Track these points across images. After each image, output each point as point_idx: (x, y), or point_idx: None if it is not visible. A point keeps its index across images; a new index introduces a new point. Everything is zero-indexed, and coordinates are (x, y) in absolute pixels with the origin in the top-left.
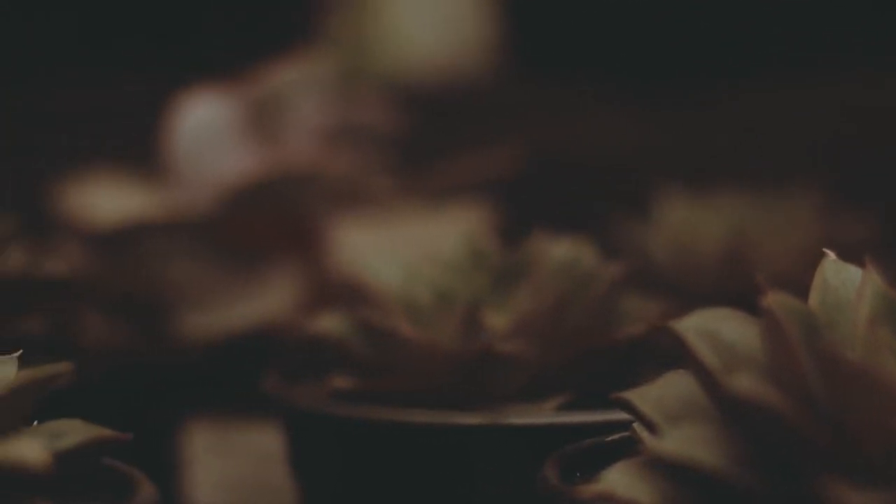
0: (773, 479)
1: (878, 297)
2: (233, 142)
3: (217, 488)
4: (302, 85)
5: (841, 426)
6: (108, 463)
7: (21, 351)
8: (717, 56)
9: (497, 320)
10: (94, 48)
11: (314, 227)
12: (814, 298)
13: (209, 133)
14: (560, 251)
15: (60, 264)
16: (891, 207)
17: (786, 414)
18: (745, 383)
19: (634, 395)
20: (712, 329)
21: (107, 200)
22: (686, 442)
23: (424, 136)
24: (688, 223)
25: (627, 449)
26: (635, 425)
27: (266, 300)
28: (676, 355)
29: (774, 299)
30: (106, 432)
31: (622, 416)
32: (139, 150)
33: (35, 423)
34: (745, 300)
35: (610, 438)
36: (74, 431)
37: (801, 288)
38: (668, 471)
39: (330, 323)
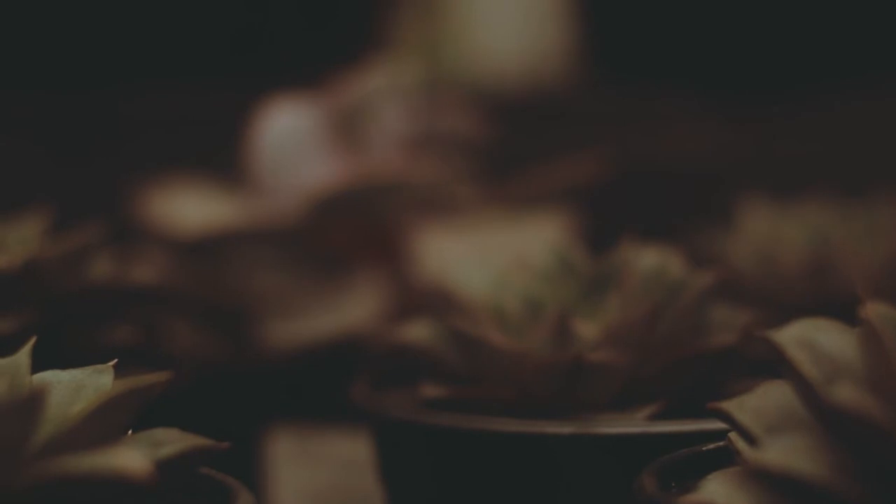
0: (875, 489)
1: None
2: (317, 150)
3: (301, 496)
4: (386, 93)
5: None
6: (206, 472)
7: (116, 360)
8: (801, 66)
9: (587, 329)
10: (179, 57)
11: (399, 236)
12: None
13: (294, 141)
14: (649, 260)
15: (148, 272)
16: None
17: (886, 424)
18: (844, 394)
19: (732, 406)
20: (811, 339)
21: (192, 209)
22: (787, 452)
23: (508, 143)
24: (772, 232)
25: (722, 459)
26: (731, 435)
27: (350, 308)
28: (764, 365)
29: (873, 309)
30: (204, 441)
31: (714, 425)
32: (224, 159)
33: (129, 431)
34: (829, 309)
35: (706, 448)
36: (173, 440)
37: (886, 296)
38: (769, 481)
39: (419, 331)
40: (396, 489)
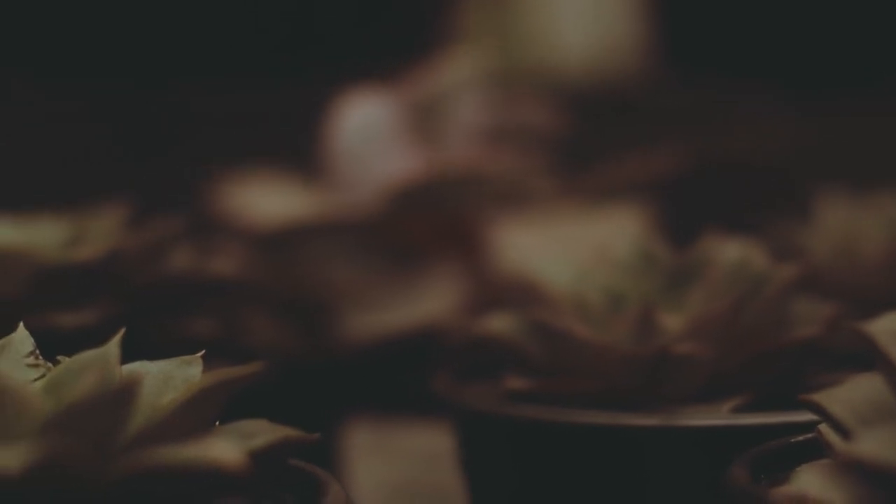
0: None
1: None
2: (394, 143)
3: (380, 489)
4: (462, 86)
5: None
6: (295, 463)
7: (204, 352)
8: (878, 58)
9: (671, 322)
10: (256, 52)
11: (475, 228)
12: None
13: (370, 135)
14: (731, 253)
15: (226, 265)
16: None
17: None
18: None
19: (823, 398)
20: None
21: (269, 202)
22: (882, 444)
23: (584, 136)
24: (850, 225)
25: (811, 452)
26: (822, 427)
27: (428, 301)
28: (846, 358)
29: None
30: (294, 432)
31: (801, 417)
32: (300, 152)
33: (217, 423)
34: None
35: (794, 440)
36: (263, 431)
37: None
38: (862, 474)
39: (501, 323)
40: (478, 482)
